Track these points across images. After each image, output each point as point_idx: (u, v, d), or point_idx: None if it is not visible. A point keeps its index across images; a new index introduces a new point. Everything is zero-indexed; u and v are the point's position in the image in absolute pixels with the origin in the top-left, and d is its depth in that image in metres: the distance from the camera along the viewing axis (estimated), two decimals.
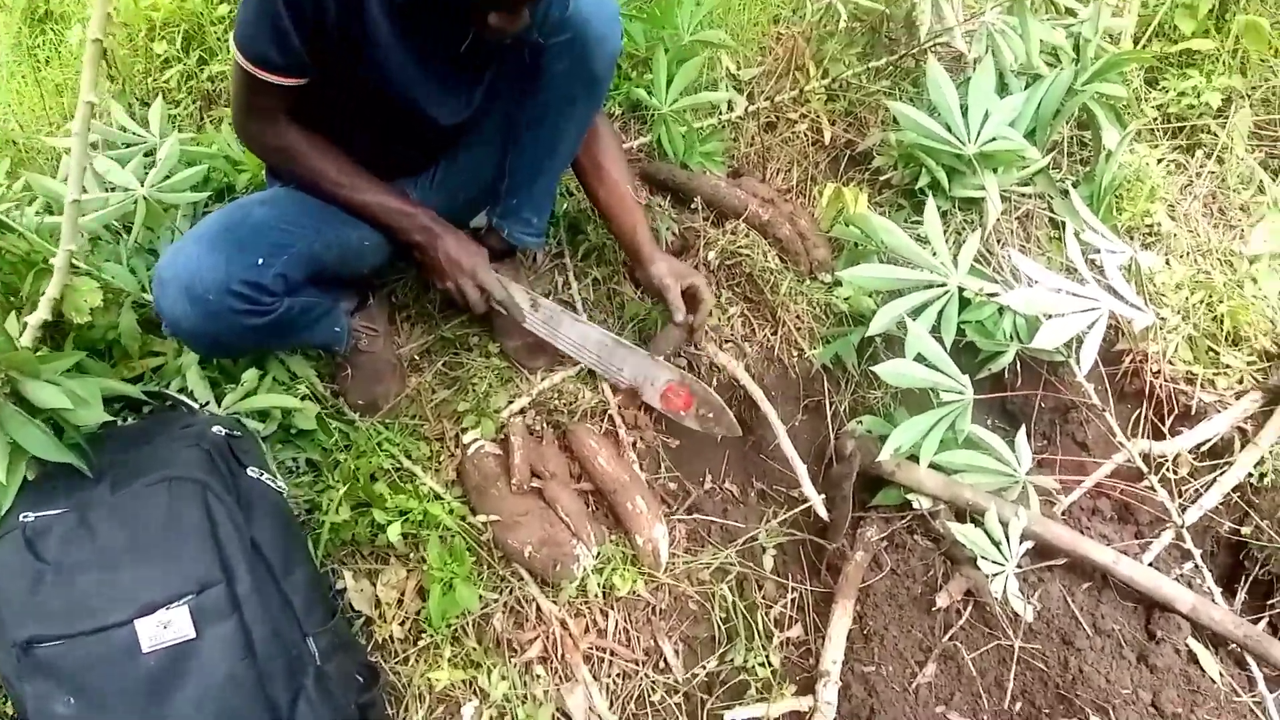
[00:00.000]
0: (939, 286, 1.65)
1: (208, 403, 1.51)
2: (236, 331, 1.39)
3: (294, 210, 1.49)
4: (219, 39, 2.20)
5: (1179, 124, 2.42)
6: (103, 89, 2.21)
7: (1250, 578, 1.87)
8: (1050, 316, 1.56)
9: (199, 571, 1.18)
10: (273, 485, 1.36)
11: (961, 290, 1.65)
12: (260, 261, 1.38)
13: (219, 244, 1.35)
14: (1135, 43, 2.33)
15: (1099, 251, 1.68)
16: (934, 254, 1.66)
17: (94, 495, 1.22)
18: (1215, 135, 2.37)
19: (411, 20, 1.34)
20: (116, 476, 1.24)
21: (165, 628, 1.15)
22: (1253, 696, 1.64)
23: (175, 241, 1.39)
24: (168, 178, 1.70)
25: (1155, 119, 2.41)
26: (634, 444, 1.76)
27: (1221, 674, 1.64)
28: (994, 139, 1.87)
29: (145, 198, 1.65)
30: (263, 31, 1.27)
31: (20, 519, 1.20)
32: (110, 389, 1.34)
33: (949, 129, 1.88)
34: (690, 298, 1.71)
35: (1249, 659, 1.69)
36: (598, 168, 1.69)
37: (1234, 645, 1.69)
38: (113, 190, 1.65)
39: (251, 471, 1.34)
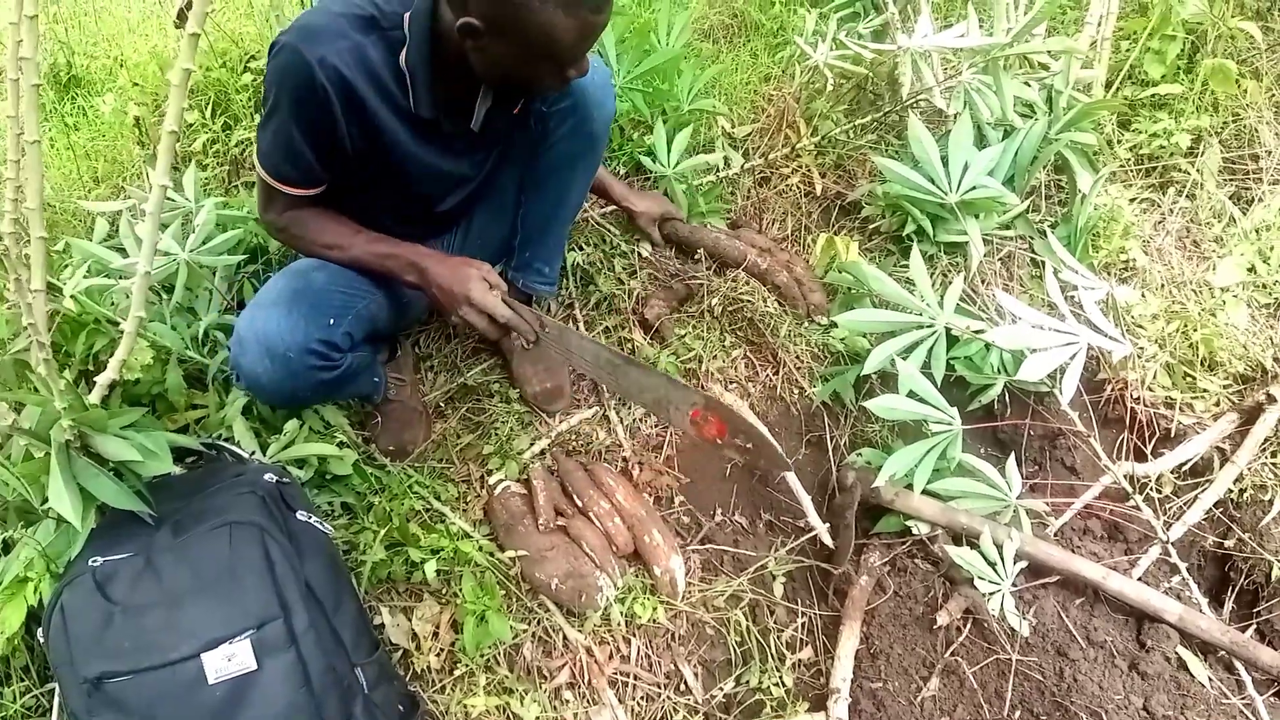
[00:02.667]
0: (927, 327, 1.77)
1: (254, 452, 1.63)
2: (310, 385, 1.51)
3: (345, 274, 1.60)
4: (244, 106, 2.34)
5: (1151, 164, 2.55)
6: (135, 156, 2.35)
7: (1236, 588, 1.95)
8: (1033, 351, 1.68)
9: (259, 608, 1.27)
10: (320, 527, 1.47)
11: (949, 329, 1.78)
12: (331, 321, 1.50)
13: (295, 307, 1.47)
14: (1108, 88, 2.48)
15: (1077, 288, 1.81)
16: (921, 297, 1.78)
17: (158, 540, 1.32)
18: (1186, 173, 2.50)
19: (423, 121, 1.46)
20: (178, 522, 1.34)
21: (229, 660, 1.24)
22: (1242, 699, 1.72)
23: (249, 307, 1.49)
24: (205, 241, 1.82)
25: (1129, 160, 2.54)
26: (648, 481, 1.87)
27: (1211, 679, 1.73)
28: (974, 188, 2.00)
29: (186, 261, 1.77)
30: (279, 153, 1.41)
31: (89, 563, 1.30)
32: (174, 441, 1.45)
33: (931, 180, 2.02)
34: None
35: (1237, 664, 1.77)
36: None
37: (1222, 652, 1.77)
38: (155, 254, 1.77)
39: (300, 515, 1.44)
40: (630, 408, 1.96)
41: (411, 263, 1.53)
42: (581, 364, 1.70)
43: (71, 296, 1.56)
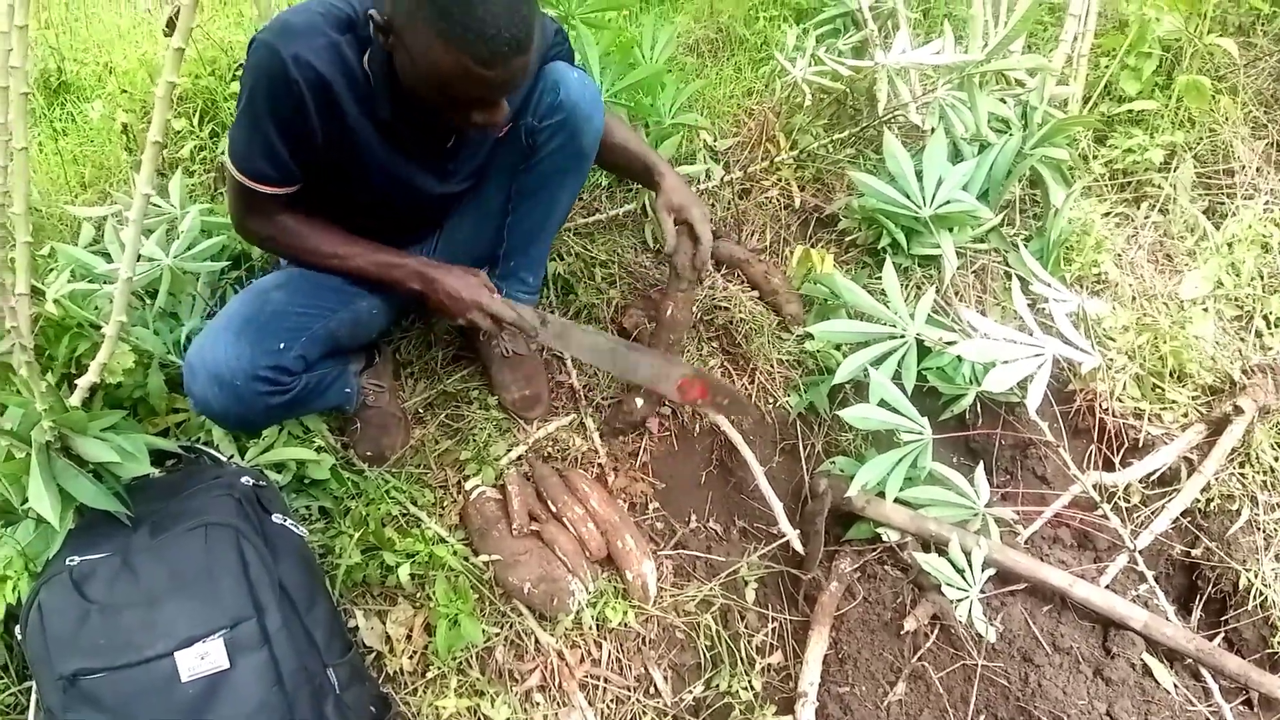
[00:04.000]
0: (899, 338, 1.80)
1: (232, 456, 1.65)
2: (259, 410, 1.53)
3: (307, 290, 1.62)
4: (232, 114, 2.36)
5: (1126, 179, 2.59)
6: (123, 162, 2.37)
7: (1204, 596, 1.98)
8: (1002, 362, 1.72)
9: (233, 608, 1.30)
10: (295, 530, 1.49)
11: (920, 340, 1.81)
12: (281, 346, 1.52)
13: (244, 334, 1.48)
14: (1085, 103, 2.52)
15: (1049, 301, 1.85)
16: (893, 309, 1.82)
17: (135, 540, 1.35)
18: (1160, 188, 2.53)
19: (395, 128, 1.48)
20: (155, 523, 1.38)
21: (203, 659, 1.27)
22: (1209, 707, 1.75)
23: (202, 332, 1.51)
24: (189, 248, 1.84)
25: (1103, 175, 2.58)
26: (622, 487, 1.90)
27: (1176, 686, 1.76)
28: (948, 202, 2.04)
29: (170, 267, 1.80)
30: (255, 150, 1.41)
31: (67, 562, 1.33)
32: (152, 444, 1.47)
33: (906, 194, 2.05)
34: (687, 225, 1.74)
35: (1203, 671, 1.80)
36: (608, 149, 1.77)
37: (1189, 659, 1.79)
38: (139, 260, 1.79)
39: (276, 518, 1.47)
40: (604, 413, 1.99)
41: (418, 273, 1.62)
42: (581, 353, 1.86)
43: (55, 300, 1.59)
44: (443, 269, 1.63)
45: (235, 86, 2.39)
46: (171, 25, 2.33)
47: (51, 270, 1.82)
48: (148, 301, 1.82)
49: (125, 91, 2.46)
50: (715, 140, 2.42)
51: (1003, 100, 2.21)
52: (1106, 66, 2.58)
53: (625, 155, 1.80)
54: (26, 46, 1.10)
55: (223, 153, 2.30)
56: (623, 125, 1.84)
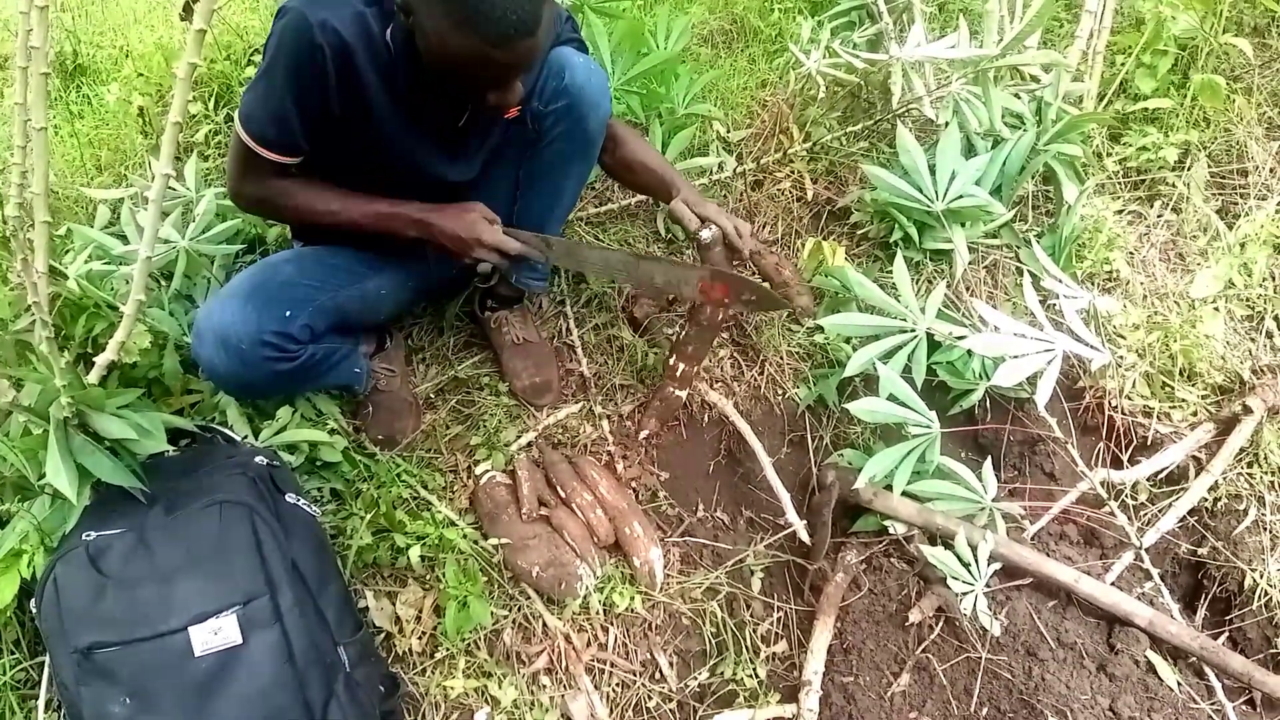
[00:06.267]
0: (909, 332, 1.81)
1: (246, 436, 1.67)
2: (266, 376, 1.55)
3: (316, 267, 1.65)
4: None
5: (1140, 177, 2.58)
6: (139, 145, 2.39)
7: (1209, 595, 1.98)
8: (1012, 357, 1.72)
9: (246, 585, 1.32)
10: (308, 510, 1.51)
11: (930, 334, 1.81)
12: (288, 314, 1.54)
13: (251, 299, 1.51)
14: (1100, 100, 2.52)
15: (1060, 297, 1.85)
16: (904, 303, 1.82)
17: (150, 517, 1.37)
18: (1174, 186, 2.53)
19: (412, 102, 1.49)
20: (170, 500, 1.39)
21: (216, 634, 1.29)
22: (1212, 705, 1.75)
23: (210, 297, 1.53)
24: (205, 231, 1.86)
25: (1117, 172, 2.57)
26: (633, 476, 1.91)
27: (1180, 683, 1.76)
28: (960, 196, 2.04)
29: (186, 249, 1.82)
30: (266, 113, 1.42)
31: (83, 537, 1.34)
32: (169, 422, 1.49)
33: (919, 188, 2.06)
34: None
35: (1207, 670, 1.80)
36: (628, 169, 1.80)
37: (1192, 657, 1.79)
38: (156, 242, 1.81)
39: (289, 498, 1.48)
40: (616, 402, 2.00)
41: (414, 219, 1.59)
42: (592, 269, 1.81)
43: (79, 277, 1.60)
44: (439, 210, 1.60)
45: (250, 71, 2.41)
46: (188, 9, 2.35)
47: (69, 251, 1.84)
48: (163, 284, 1.84)
49: (141, 75, 2.48)
50: (728, 131, 2.43)
51: (1017, 95, 2.22)
52: (1122, 64, 2.58)
53: (645, 173, 1.79)
54: (46, 27, 1.11)
55: None
56: (640, 140, 1.83)
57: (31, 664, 1.51)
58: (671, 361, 1.85)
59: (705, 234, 1.66)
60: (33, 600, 1.36)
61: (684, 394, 1.91)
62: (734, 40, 2.84)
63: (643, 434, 1.92)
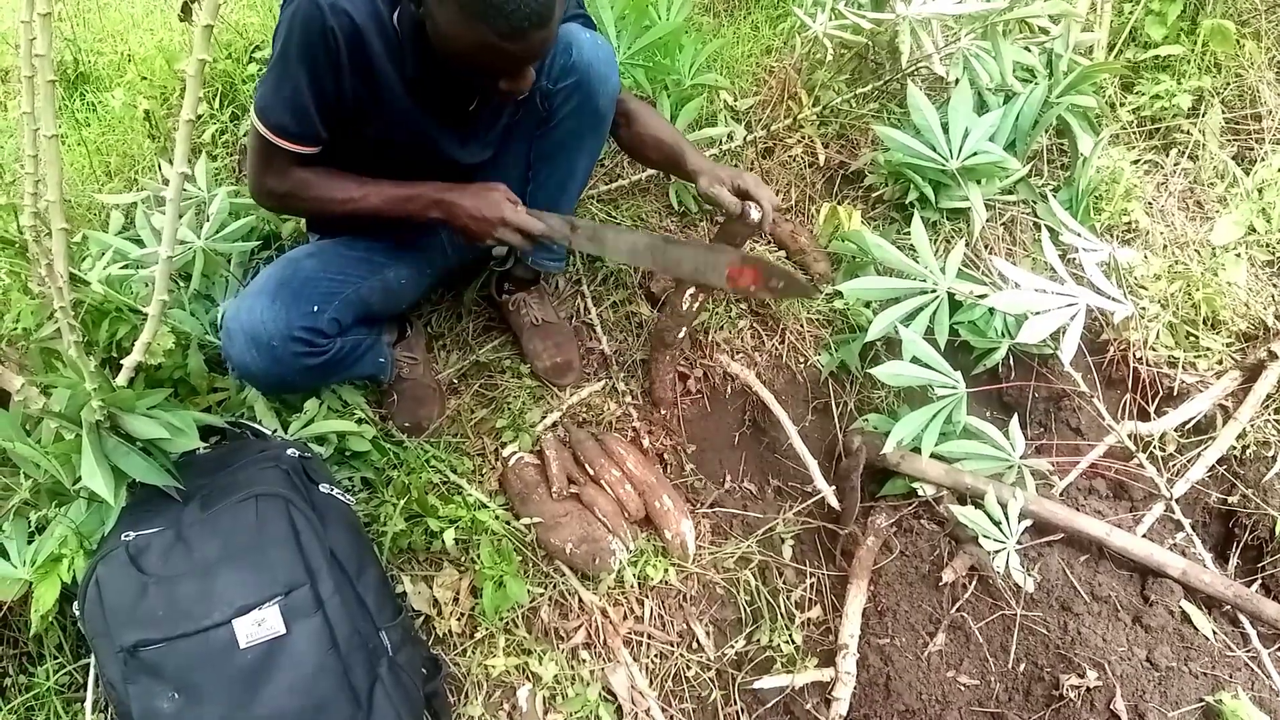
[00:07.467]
0: (930, 293, 1.80)
1: (275, 430, 1.68)
2: (297, 371, 1.56)
3: (338, 260, 1.65)
4: (250, 96, 2.36)
5: (1154, 126, 2.55)
6: (147, 149, 2.39)
7: (1241, 543, 1.98)
8: (1035, 314, 1.71)
9: (286, 575, 1.33)
10: (342, 499, 1.52)
11: (951, 294, 1.80)
12: (315, 309, 1.54)
13: (278, 296, 1.51)
14: (1110, 50, 2.49)
15: (1079, 251, 1.83)
16: (923, 263, 1.81)
17: (186, 514, 1.38)
18: (1188, 134, 2.50)
19: (422, 86, 1.48)
20: (205, 497, 1.40)
21: (260, 625, 1.30)
22: (1247, 652, 1.75)
23: (236, 297, 1.53)
24: (220, 229, 1.87)
25: (1131, 122, 2.54)
26: (660, 451, 1.92)
27: (1215, 632, 1.76)
28: (975, 153, 2.02)
29: (203, 249, 1.82)
30: (282, 102, 1.41)
31: (122, 538, 1.36)
32: (200, 419, 1.50)
33: (932, 147, 2.04)
34: (744, 196, 1.61)
35: (1242, 618, 1.80)
36: (643, 144, 1.77)
37: (1227, 606, 1.80)
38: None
39: (323, 488, 1.50)
40: (638, 378, 2.00)
41: (435, 200, 1.57)
42: (618, 254, 1.73)
43: (99, 282, 1.61)
44: (459, 190, 1.57)
45: (252, 69, 2.41)
46: (187, 10, 2.35)
47: (85, 258, 1.85)
48: (182, 284, 1.85)
49: (145, 79, 2.47)
50: (736, 100, 2.41)
51: (1027, 49, 2.19)
52: (1131, 12, 2.54)
53: (661, 148, 1.75)
54: (50, 35, 1.11)
55: (245, 134, 2.32)
56: (653, 113, 1.79)
57: (75, 667, 1.54)
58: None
59: (755, 213, 1.59)
60: (74, 603, 1.38)
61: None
62: (736, 8, 2.81)
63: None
